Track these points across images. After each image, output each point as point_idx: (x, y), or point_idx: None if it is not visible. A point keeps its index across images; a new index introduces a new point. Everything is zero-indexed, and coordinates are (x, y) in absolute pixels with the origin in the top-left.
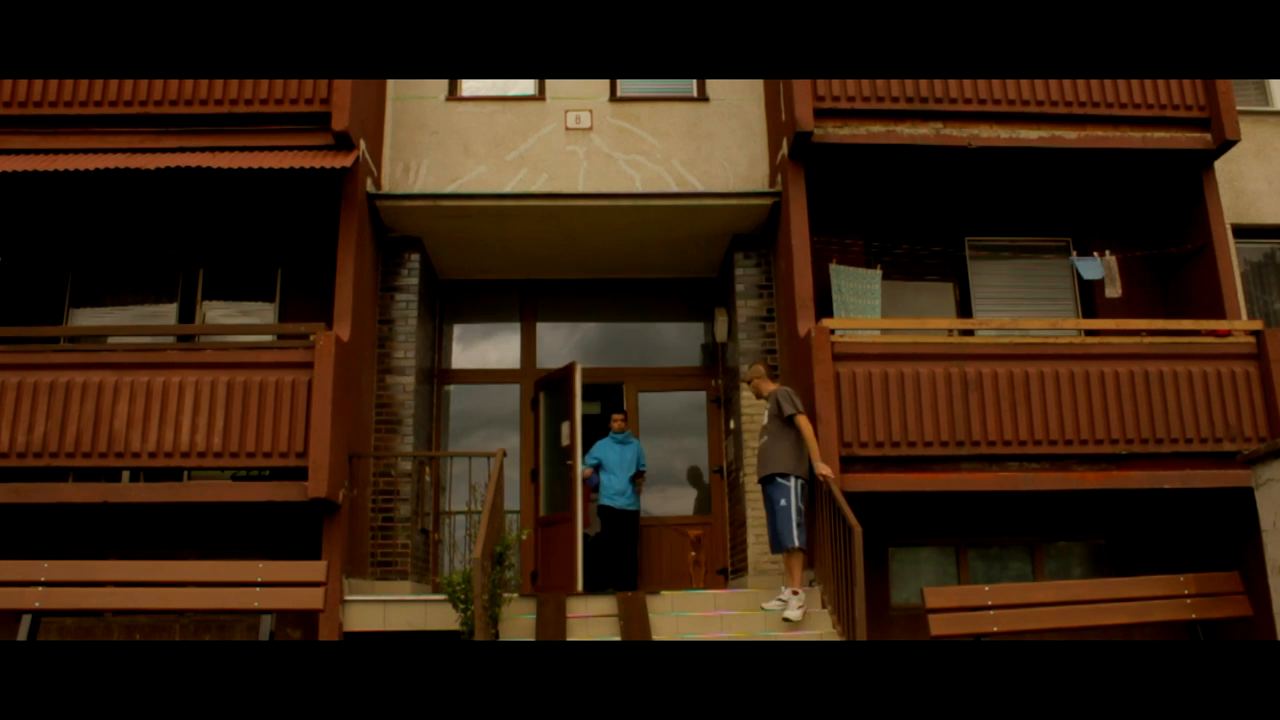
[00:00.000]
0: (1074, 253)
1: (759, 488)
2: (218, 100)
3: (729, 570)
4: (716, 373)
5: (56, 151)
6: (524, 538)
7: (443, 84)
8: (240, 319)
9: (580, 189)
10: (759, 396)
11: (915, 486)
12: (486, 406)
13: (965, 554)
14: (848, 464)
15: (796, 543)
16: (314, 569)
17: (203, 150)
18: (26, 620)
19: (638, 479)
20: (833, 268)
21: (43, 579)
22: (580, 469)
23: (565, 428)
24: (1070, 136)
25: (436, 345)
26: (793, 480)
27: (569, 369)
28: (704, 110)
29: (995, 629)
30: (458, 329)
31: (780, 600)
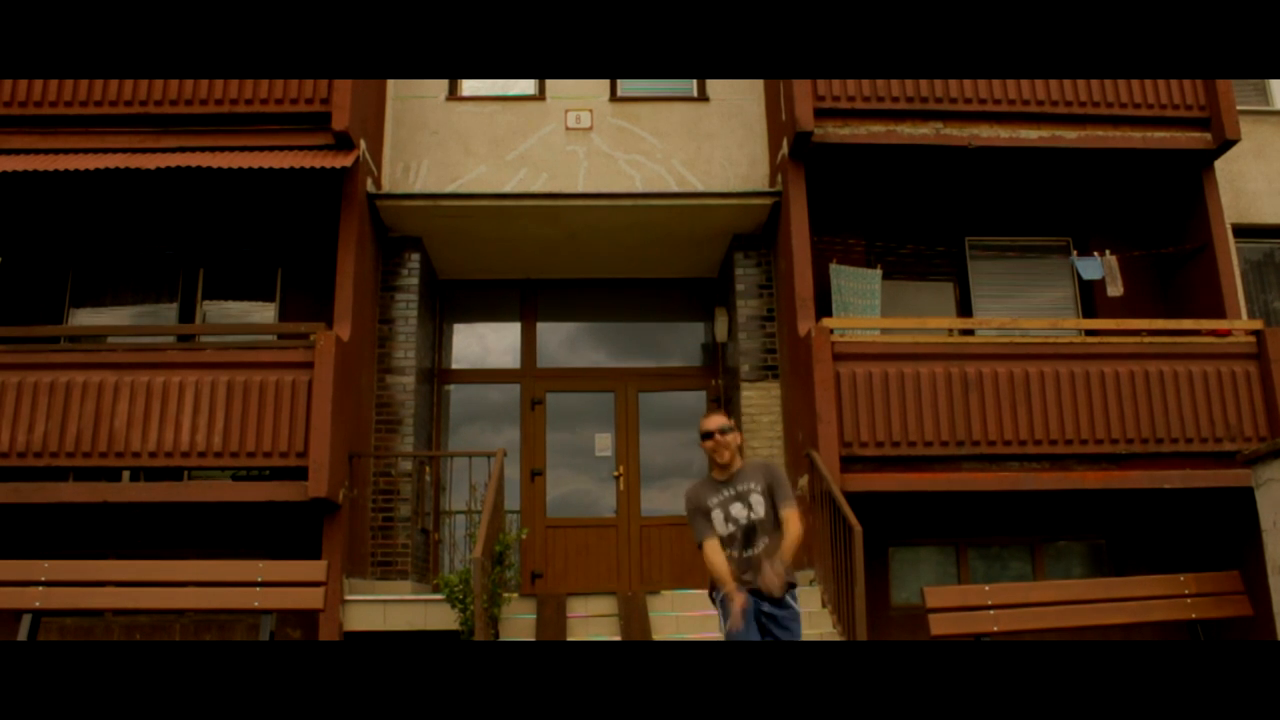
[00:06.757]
0: (1074, 252)
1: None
2: (218, 100)
3: None
4: (716, 373)
5: (56, 151)
6: (524, 537)
7: (443, 84)
8: (240, 319)
9: (580, 189)
10: (721, 464)
11: (915, 486)
12: (487, 406)
13: (965, 554)
14: (848, 464)
15: None
16: (314, 569)
17: (202, 150)
18: (26, 620)
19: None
20: (833, 267)
21: (43, 579)
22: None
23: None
24: (1070, 136)
25: (436, 345)
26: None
27: None
28: (704, 110)
29: (995, 629)
30: (458, 329)
31: None
